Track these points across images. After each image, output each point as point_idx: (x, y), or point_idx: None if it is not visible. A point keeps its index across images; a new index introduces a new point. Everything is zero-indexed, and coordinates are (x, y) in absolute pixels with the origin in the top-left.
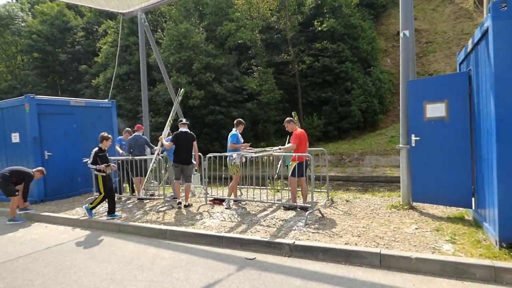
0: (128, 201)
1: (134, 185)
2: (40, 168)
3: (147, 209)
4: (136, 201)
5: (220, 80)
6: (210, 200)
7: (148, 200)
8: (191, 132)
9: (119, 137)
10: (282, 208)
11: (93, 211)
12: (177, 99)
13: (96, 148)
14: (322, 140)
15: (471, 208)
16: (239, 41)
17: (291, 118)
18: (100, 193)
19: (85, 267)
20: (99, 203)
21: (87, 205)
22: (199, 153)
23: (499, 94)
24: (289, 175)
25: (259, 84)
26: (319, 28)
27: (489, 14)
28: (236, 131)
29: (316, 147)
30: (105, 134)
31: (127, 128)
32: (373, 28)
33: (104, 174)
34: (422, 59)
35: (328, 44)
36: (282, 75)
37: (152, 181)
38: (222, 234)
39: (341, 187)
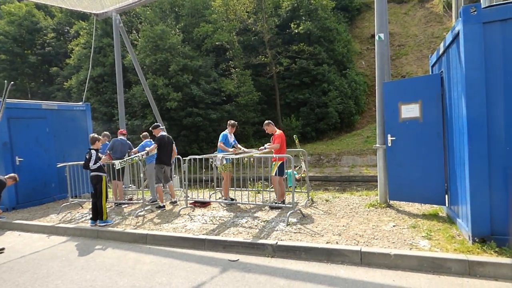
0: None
1: (114, 190)
2: (12, 174)
3: (125, 214)
4: (114, 206)
5: (197, 82)
6: (190, 203)
7: (126, 205)
8: (168, 135)
9: None
10: (269, 208)
11: (109, 219)
12: (4, 95)
13: (93, 150)
14: (300, 142)
15: (445, 205)
16: (216, 43)
17: (270, 121)
18: (102, 198)
19: (63, 275)
20: (106, 209)
21: (99, 221)
22: (177, 155)
23: (469, 96)
24: (273, 175)
25: (237, 86)
26: (296, 31)
27: (460, 18)
28: (227, 131)
29: (295, 148)
30: (96, 135)
31: (105, 132)
32: (348, 31)
33: (106, 175)
34: (395, 61)
35: (304, 47)
36: (260, 77)
37: (130, 185)
38: (204, 236)
39: (320, 187)
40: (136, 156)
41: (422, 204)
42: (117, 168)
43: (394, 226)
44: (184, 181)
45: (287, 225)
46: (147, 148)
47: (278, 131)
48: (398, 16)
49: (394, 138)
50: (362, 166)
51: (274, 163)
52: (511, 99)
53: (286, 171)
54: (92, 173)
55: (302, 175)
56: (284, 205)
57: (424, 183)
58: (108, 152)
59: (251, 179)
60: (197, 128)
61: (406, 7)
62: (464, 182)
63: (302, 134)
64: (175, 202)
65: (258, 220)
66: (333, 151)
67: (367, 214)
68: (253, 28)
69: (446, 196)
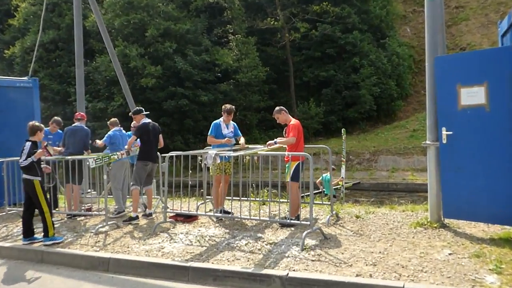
0: (54, 219)
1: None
2: None
3: (81, 229)
4: (65, 219)
5: (183, 52)
6: (171, 217)
7: (83, 217)
8: (153, 123)
9: (45, 128)
10: (278, 225)
11: (57, 235)
12: None
13: (29, 143)
14: (321, 135)
15: None
16: (210, 1)
17: (283, 107)
18: (43, 210)
19: None
20: (52, 223)
21: (45, 238)
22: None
23: None
24: (289, 180)
25: (237, 59)
26: None
27: None
28: (220, 120)
29: (314, 144)
30: (36, 123)
31: (56, 118)
32: None
33: (40, 179)
34: (452, 28)
35: (329, 7)
36: (268, 47)
37: (89, 190)
38: (188, 263)
39: (349, 198)
40: (115, 155)
41: (489, 225)
42: (91, 167)
43: (450, 254)
44: (163, 186)
45: (303, 249)
46: (126, 147)
47: (294, 121)
48: None
49: (451, 132)
50: (407, 171)
51: (288, 163)
52: None
53: (323, 175)
54: (23, 175)
55: (339, 183)
56: (298, 221)
57: (492, 195)
58: (59, 145)
59: (254, 185)
60: (181, 114)
61: None
62: None
63: (325, 125)
64: (150, 215)
65: (263, 241)
66: (367, 149)
67: (413, 237)
68: None
69: None
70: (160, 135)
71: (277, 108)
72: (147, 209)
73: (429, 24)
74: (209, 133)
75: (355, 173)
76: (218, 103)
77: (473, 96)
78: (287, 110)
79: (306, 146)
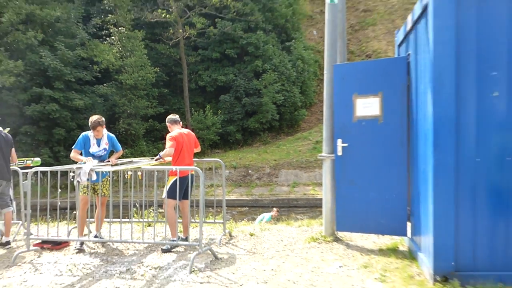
0: None
1: None
2: None
3: None
4: None
5: (53, 45)
6: (35, 244)
7: None
8: (6, 133)
9: None
10: (161, 250)
11: None
12: None
13: None
14: (219, 147)
15: (406, 235)
16: None
17: (176, 117)
18: None
19: None
20: None
21: None
22: (15, 167)
23: (436, 90)
24: (165, 196)
25: (121, 56)
26: None
27: None
28: (89, 132)
29: (209, 157)
30: None
31: None
32: None
33: None
34: (359, 33)
35: (230, 1)
36: (159, 44)
37: None
38: None
39: (246, 216)
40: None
41: (380, 236)
42: None
43: (340, 266)
44: (25, 209)
45: (191, 272)
46: None
47: (176, 131)
48: None
49: (346, 144)
50: (308, 185)
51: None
52: (484, 95)
53: (262, 215)
54: None
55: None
56: (187, 242)
57: (382, 207)
58: None
59: (138, 205)
60: (50, 122)
61: None
62: (427, 204)
63: (222, 136)
64: (8, 243)
65: (147, 266)
66: (268, 163)
67: (307, 252)
68: None
69: (409, 223)
70: (13, 149)
71: (170, 117)
72: (3, 237)
73: (329, 29)
74: (74, 146)
75: (254, 189)
76: (96, 109)
77: (368, 107)
78: (177, 121)
79: (198, 159)
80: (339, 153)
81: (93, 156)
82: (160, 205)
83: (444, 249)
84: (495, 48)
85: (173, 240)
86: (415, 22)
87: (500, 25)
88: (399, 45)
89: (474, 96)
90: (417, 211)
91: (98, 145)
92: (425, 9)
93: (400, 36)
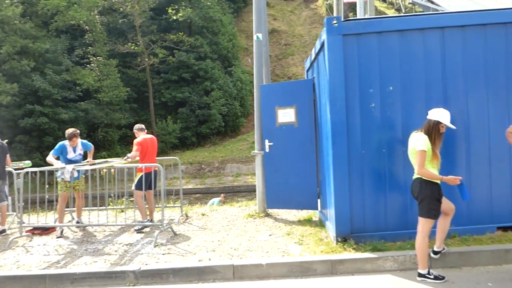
0: None
1: None
2: None
3: None
4: None
5: (43, 71)
6: (27, 231)
7: None
8: (3, 142)
9: None
10: (135, 231)
11: None
12: None
13: None
14: (178, 148)
15: (317, 209)
16: (71, 22)
17: (141, 126)
18: None
19: None
20: None
21: None
22: (10, 169)
23: (332, 102)
24: (134, 188)
25: (99, 79)
26: (174, 17)
27: (325, 28)
28: (65, 142)
29: (171, 156)
30: None
31: None
32: (233, 23)
33: None
34: (282, 61)
35: (184, 37)
36: (129, 69)
37: None
38: (45, 271)
39: (201, 200)
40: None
41: (299, 211)
42: None
43: (270, 235)
44: (18, 202)
45: (155, 246)
46: None
47: (141, 137)
48: (285, 14)
49: (271, 143)
50: (247, 175)
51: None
52: (365, 106)
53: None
54: None
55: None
56: (152, 223)
57: (299, 189)
58: None
59: (113, 195)
60: (41, 132)
61: (292, 5)
62: (330, 185)
63: (181, 140)
64: (4, 231)
65: (120, 244)
66: (216, 159)
67: (245, 226)
68: (121, 8)
69: (319, 200)
70: (8, 155)
71: (137, 126)
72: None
73: (256, 59)
74: (51, 151)
75: (206, 180)
76: (79, 121)
77: (286, 115)
78: (143, 128)
79: (160, 158)
80: (267, 150)
81: (71, 161)
82: (131, 195)
83: (342, 218)
84: (370, 72)
85: (141, 222)
86: (317, 54)
87: (373, 56)
88: (307, 70)
89: (358, 106)
90: (323, 190)
91: (74, 151)
92: (322, 45)
93: (307, 63)
